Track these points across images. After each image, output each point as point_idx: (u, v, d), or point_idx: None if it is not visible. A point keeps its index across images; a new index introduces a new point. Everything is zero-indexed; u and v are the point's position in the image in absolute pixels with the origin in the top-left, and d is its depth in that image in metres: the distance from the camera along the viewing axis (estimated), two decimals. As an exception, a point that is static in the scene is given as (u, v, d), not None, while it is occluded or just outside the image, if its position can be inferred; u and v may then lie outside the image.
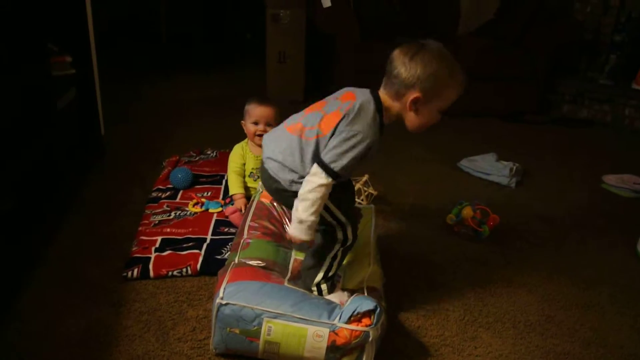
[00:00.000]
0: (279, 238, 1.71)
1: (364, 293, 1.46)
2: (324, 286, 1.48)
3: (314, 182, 1.28)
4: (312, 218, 1.30)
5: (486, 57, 3.59)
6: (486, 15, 3.97)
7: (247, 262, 1.53)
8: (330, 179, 1.28)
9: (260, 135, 2.06)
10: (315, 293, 1.47)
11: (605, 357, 1.52)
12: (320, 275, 1.47)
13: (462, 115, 3.62)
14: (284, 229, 1.77)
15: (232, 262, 1.52)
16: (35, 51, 1.91)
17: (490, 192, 2.51)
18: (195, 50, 4.79)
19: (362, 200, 2.25)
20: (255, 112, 2.06)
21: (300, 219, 1.31)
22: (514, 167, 2.64)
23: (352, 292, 1.48)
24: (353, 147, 1.30)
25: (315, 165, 1.30)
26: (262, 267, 1.53)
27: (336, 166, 1.28)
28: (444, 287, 1.78)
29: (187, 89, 3.98)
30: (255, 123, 2.07)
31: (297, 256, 1.65)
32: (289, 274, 1.57)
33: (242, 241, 1.64)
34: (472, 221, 2.09)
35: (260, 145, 2.11)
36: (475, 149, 2.89)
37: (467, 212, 2.10)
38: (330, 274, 1.48)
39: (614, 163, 2.97)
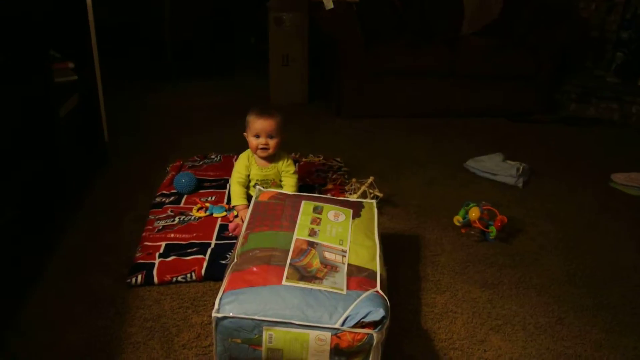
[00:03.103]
0: (277, 226, 1.61)
1: (376, 285, 1.40)
2: None
3: None
4: None
5: (491, 57, 3.56)
6: (490, 16, 3.94)
7: (245, 260, 1.45)
8: None
9: (263, 149, 2.04)
10: None
11: None
12: None
13: (467, 115, 3.61)
14: (283, 217, 1.67)
15: (233, 263, 1.48)
16: (38, 58, 1.90)
17: (498, 193, 2.48)
18: (199, 56, 4.79)
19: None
20: (256, 125, 2.01)
21: None
22: (521, 167, 2.61)
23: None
24: None
25: None
26: (260, 257, 1.45)
27: None
28: (451, 290, 1.75)
29: (191, 95, 3.97)
30: (257, 136, 2.02)
31: (299, 236, 1.56)
32: (290, 254, 1.47)
33: (240, 238, 1.60)
34: (479, 222, 2.06)
35: (263, 158, 2.10)
36: (481, 149, 2.86)
37: (475, 213, 2.08)
38: None
39: (622, 161, 2.93)
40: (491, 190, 2.51)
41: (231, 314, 1.27)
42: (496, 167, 2.65)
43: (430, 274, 1.84)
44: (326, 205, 1.71)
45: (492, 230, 2.05)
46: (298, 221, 1.61)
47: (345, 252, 1.51)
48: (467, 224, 2.11)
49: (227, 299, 1.31)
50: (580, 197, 2.52)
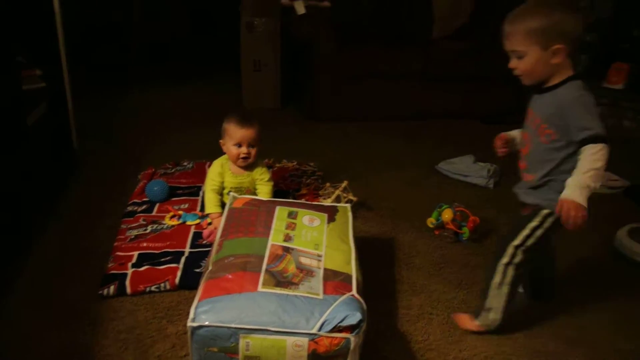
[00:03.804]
0: (252, 232, 1.60)
1: (351, 288, 1.40)
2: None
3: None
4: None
5: (462, 59, 3.61)
6: (460, 19, 3.99)
7: (220, 268, 1.44)
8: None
9: (244, 158, 2.03)
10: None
11: (589, 354, 1.53)
12: None
13: (441, 117, 3.64)
14: (257, 224, 1.65)
15: (208, 271, 1.46)
16: (4, 65, 1.86)
17: (469, 194, 2.52)
18: (172, 62, 4.75)
19: (342, 206, 2.23)
20: (237, 134, 1.99)
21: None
22: (492, 168, 2.65)
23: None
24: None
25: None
26: (235, 264, 1.44)
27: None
28: (427, 291, 1.77)
29: (163, 101, 3.92)
30: (238, 145, 2.01)
31: (274, 241, 1.54)
32: (265, 260, 1.46)
33: (214, 245, 1.59)
34: (452, 224, 2.09)
35: (243, 167, 2.08)
36: (454, 151, 2.90)
37: (447, 214, 2.10)
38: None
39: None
40: (463, 192, 2.54)
41: (207, 323, 1.26)
42: (467, 168, 2.69)
43: (405, 276, 1.85)
44: (301, 210, 1.70)
45: (465, 231, 2.08)
46: (273, 226, 1.61)
47: (320, 256, 1.51)
48: (441, 225, 2.13)
49: (203, 308, 1.30)
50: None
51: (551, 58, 1.35)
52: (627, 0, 3.71)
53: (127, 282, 1.66)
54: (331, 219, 1.70)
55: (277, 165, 2.67)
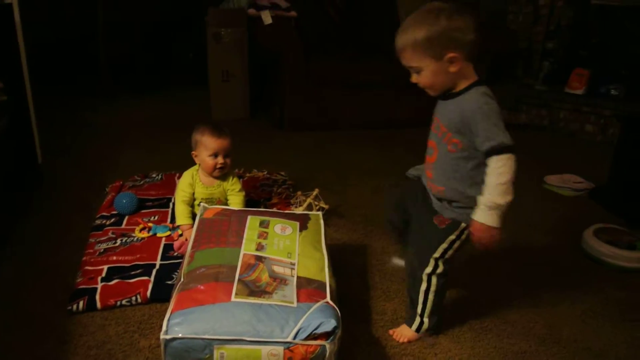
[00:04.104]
0: (223, 242, 1.59)
1: (325, 295, 1.40)
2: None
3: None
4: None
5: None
6: (424, 29, 4.07)
7: (192, 279, 1.42)
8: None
9: (221, 168, 2.02)
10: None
11: (561, 353, 1.55)
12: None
13: (410, 125, 3.68)
14: (229, 233, 1.64)
15: (180, 282, 1.44)
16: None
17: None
18: (137, 73, 4.69)
19: (314, 214, 2.23)
20: (213, 145, 1.98)
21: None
22: (461, 174, 2.68)
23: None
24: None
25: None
26: (207, 274, 1.42)
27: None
28: (400, 296, 1.78)
29: (129, 112, 3.88)
30: (214, 155, 2.00)
31: (246, 251, 1.53)
32: (238, 270, 1.44)
33: (186, 257, 1.57)
34: (423, 229, 2.10)
35: (218, 178, 2.07)
36: (424, 158, 2.92)
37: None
38: None
39: (554, 164, 3.08)
40: (433, 197, 2.57)
41: (180, 335, 1.24)
42: (437, 174, 2.71)
43: (378, 282, 1.86)
44: (272, 219, 1.70)
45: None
46: (245, 236, 1.59)
47: (293, 264, 1.51)
48: (412, 231, 2.15)
49: (176, 320, 1.28)
50: (517, 199, 2.60)
51: (448, 67, 1.30)
52: (587, 9, 3.82)
53: (97, 297, 1.62)
54: (303, 227, 1.70)
55: (248, 175, 2.66)
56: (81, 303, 1.61)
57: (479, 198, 1.32)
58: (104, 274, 1.75)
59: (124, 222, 2.12)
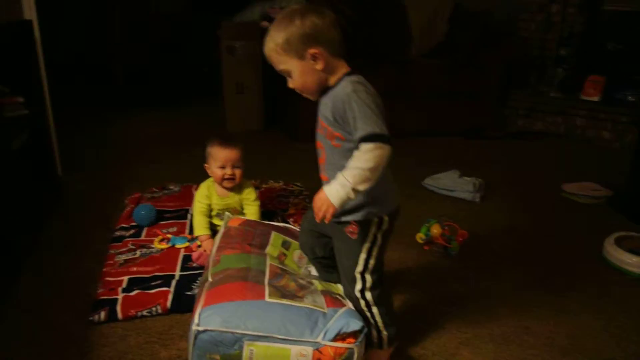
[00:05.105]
0: (248, 250, 1.60)
1: (348, 304, 1.42)
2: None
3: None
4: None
5: (440, 77, 3.68)
6: (436, 38, 4.07)
7: (221, 279, 1.42)
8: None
9: (229, 179, 2.02)
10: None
11: (584, 363, 1.53)
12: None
13: (422, 134, 3.69)
14: (253, 244, 1.65)
15: (207, 282, 1.44)
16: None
17: (457, 208, 2.54)
18: (153, 86, 4.75)
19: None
20: (221, 155, 1.99)
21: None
22: (477, 183, 2.68)
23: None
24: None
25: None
26: (236, 275, 1.43)
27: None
28: (419, 306, 1.77)
29: (146, 126, 3.91)
30: (222, 167, 2.01)
31: (271, 262, 1.55)
32: (267, 275, 1.45)
33: (211, 260, 1.57)
34: (441, 238, 2.10)
35: (229, 189, 2.08)
36: (437, 167, 2.93)
37: (436, 229, 2.11)
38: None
39: (571, 172, 3.06)
40: (450, 207, 2.56)
41: (212, 327, 1.25)
42: (453, 183, 2.71)
43: (396, 292, 1.85)
44: (294, 242, 1.70)
45: (454, 246, 2.09)
46: (267, 250, 1.61)
47: (312, 284, 1.53)
48: (430, 240, 2.14)
49: (208, 312, 1.29)
50: (535, 208, 2.60)
51: (314, 65, 1.29)
52: (599, 15, 3.81)
53: (118, 308, 1.63)
54: None
55: (264, 186, 2.67)
56: (102, 314, 1.62)
57: (338, 173, 1.26)
58: (124, 285, 1.76)
59: (143, 233, 2.14)
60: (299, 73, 1.31)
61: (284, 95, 3.77)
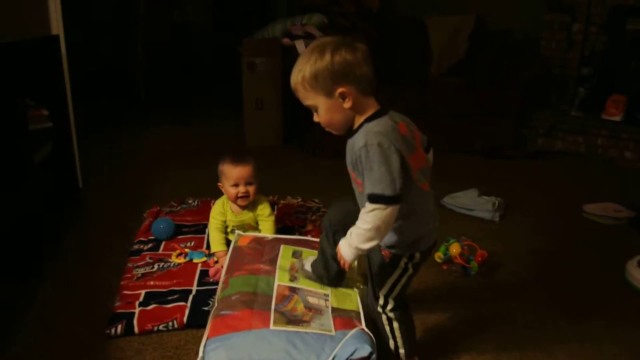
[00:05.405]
0: (257, 270, 1.61)
1: (361, 323, 1.41)
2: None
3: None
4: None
5: (460, 95, 3.67)
6: (456, 56, 4.07)
7: (227, 306, 1.44)
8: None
9: (243, 197, 2.01)
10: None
11: (607, 390, 1.49)
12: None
13: (440, 153, 3.65)
14: (262, 262, 1.66)
15: (215, 308, 1.44)
16: (12, 106, 1.88)
17: (476, 228, 2.51)
18: (174, 102, 4.81)
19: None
20: (233, 174, 1.98)
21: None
22: (497, 202, 2.65)
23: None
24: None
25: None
26: (242, 301, 1.44)
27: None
28: (438, 327, 1.74)
29: (166, 140, 3.96)
30: (235, 185, 2.00)
31: (280, 281, 1.55)
32: (273, 300, 1.46)
33: (220, 283, 1.58)
34: (460, 258, 2.08)
35: (243, 207, 2.08)
36: (456, 185, 2.90)
37: (455, 248, 2.09)
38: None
39: (593, 192, 3.01)
40: (469, 226, 2.54)
41: None
42: (472, 202, 2.69)
43: (414, 311, 1.82)
44: (305, 250, 1.70)
45: (474, 265, 2.06)
46: (278, 265, 1.61)
47: (327, 295, 1.51)
48: (449, 260, 2.12)
49: (212, 346, 1.29)
50: (556, 229, 2.56)
51: (342, 103, 1.25)
52: (623, 34, 3.78)
53: (135, 321, 1.64)
54: None
55: (282, 202, 2.67)
56: (119, 327, 1.62)
57: (350, 229, 1.27)
58: (141, 299, 1.77)
59: (161, 247, 2.15)
60: (325, 110, 1.28)
61: (303, 111, 3.79)
